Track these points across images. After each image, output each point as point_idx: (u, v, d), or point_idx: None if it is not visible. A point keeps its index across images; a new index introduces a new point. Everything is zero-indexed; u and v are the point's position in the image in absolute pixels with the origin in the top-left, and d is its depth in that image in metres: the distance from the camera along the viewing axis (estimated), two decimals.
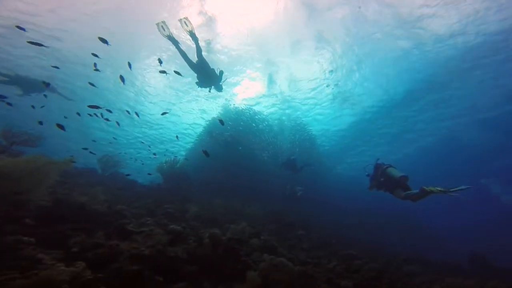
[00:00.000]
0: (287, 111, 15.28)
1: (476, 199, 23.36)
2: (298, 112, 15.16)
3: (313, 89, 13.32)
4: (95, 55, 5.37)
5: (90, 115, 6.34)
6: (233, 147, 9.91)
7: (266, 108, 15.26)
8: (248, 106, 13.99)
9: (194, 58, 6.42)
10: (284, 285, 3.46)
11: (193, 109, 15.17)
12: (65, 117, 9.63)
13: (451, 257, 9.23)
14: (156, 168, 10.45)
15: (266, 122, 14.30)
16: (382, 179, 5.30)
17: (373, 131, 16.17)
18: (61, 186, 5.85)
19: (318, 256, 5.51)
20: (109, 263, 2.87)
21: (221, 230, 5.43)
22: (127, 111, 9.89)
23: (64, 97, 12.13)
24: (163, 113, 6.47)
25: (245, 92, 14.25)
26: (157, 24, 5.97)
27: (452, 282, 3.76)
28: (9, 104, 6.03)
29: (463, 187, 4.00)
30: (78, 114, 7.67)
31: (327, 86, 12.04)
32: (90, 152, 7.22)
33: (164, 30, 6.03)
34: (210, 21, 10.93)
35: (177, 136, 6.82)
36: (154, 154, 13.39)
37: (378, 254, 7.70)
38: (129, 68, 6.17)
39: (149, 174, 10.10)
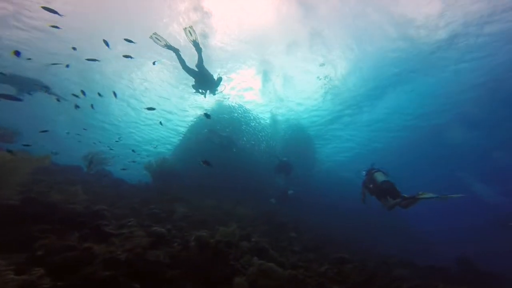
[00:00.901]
0: (280, 110, 15.11)
1: (462, 201, 23.94)
2: (292, 112, 15.00)
3: (308, 88, 13.19)
4: (74, 48, 5.14)
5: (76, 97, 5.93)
6: (228, 148, 9.68)
7: (260, 107, 15.05)
8: (240, 104, 13.72)
9: (192, 65, 6.36)
10: None
11: (187, 105, 14.75)
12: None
13: (439, 260, 9.29)
14: (144, 166, 10.08)
15: (258, 121, 14.09)
16: (371, 185, 5.12)
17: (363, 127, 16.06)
18: (38, 184, 5.46)
19: (310, 259, 5.34)
20: (79, 268, 2.59)
21: (211, 232, 5.20)
22: (99, 93, 9.08)
23: (60, 97, 11.81)
24: (149, 108, 6.17)
25: (239, 90, 14.01)
26: (151, 37, 5.98)
27: None
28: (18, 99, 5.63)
29: (457, 195, 3.93)
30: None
31: (318, 79, 11.92)
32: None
33: (160, 40, 6.01)
34: (205, 16, 10.66)
35: (160, 122, 6.43)
36: (155, 146, 12.87)
37: (369, 257, 7.63)
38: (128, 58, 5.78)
39: (123, 169, 9.65)
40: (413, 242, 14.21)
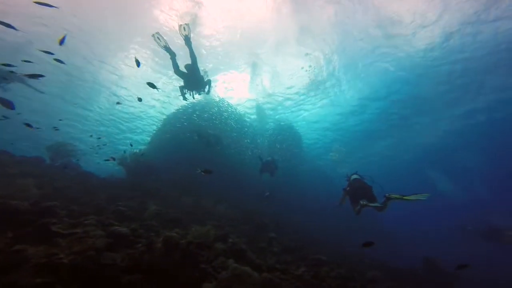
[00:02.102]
0: (268, 105, 14.78)
1: (432, 205, 25.39)
2: (279, 107, 14.68)
3: (294, 85, 13.01)
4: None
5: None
6: (214, 146, 9.23)
7: (248, 101, 14.66)
8: (222, 98, 13.23)
9: (183, 68, 6.40)
10: None
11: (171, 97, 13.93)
12: None
13: (408, 260, 9.60)
14: (118, 160, 9.32)
15: (243, 118, 13.72)
16: (348, 188, 5.07)
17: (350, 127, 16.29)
18: None
19: (288, 261, 5.12)
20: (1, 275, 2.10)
21: (184, 232, 4.79)
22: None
23: (35, 89, 10.81)
24: (118, 103, 5.62)
25: (228, 87, 13.56)
26: (153, 36, 6.00)
27: None
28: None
29: (422, 196, 3.94)
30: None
31: (304, 70, 11.79)
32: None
33: (160, 40, 6.03)
34: (197, 6, 10.14)
35: (139, 100, 5.87)
36: (131, 144, 11.96)
37: (346, 258, 7.64)
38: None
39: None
40: (387, 242, 14.69)
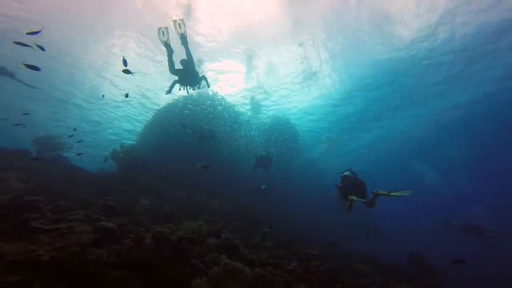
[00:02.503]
0: (263, 97, 14.56)
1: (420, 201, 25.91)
2: (274, 99, 14.45)
3: (290, 78, 12.82)
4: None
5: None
6: (208, 140, 9.04)
7: (243, 96, 14.44)
8: (215, 92, 12.95)
9: (178, 64, 6.31)
10: None
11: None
12: None
13: (396, 254, 9.82)
14: (109, 154, 9.06)
15: (237, 111, 13.49)
16: (340, 184, 5.04)
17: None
18: None
19: (280, 256, 5.11)
20: None
21: (177, 227, 4.69)
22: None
23: (28, 85, 10.59)
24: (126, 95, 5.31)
25: (223, 79, 13.28)
26: (159, 29, 5.87)
27: None
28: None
29: (406, 192, 4.00)
30: None
31: (298, 61, 11.64)
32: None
33: (164, 36, 5.90)
34: None
35: (126, 94, 5.55)
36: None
37: (337, 252, 7.72)
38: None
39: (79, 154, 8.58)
40: (376, 237, 14.98)
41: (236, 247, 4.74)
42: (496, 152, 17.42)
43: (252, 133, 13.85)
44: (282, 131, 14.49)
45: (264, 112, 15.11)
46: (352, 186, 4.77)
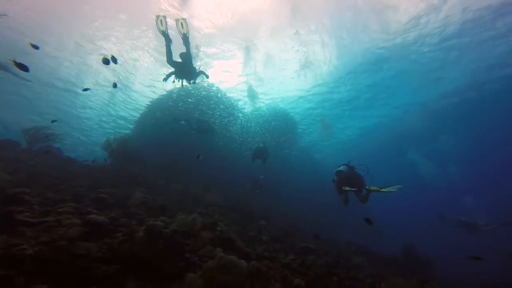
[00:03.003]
0: (261, 89, 14.24)
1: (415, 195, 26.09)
2: (270, 86, 14.06)
3: (286, 65, 12.47)
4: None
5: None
6: (205, 133, 8.93)
7: (240, 87, 14.12)
8: (210, 83, 12.61)
9: (177, 57, 6.17)
10: None
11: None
12: None
13: (391, 246, 9.97)
14: (102, 145, 8.85)
15: (234, 103, 13.21)
16: (336, 178, 4.99)
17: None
18: None
19: (276, 249, 5.11)
20: None
21: (171, 220, 4.61)
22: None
23: (22, 78, 10.16)
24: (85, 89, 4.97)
25: (219, 70, 12.92)
26: (157, 17, 5.64)
27: (395, 283, 3.66)
28: None
29: (395, 188, 4.02)
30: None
31: (295, 50, 11.36)
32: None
33: (162, 25, 5.71)
34: None
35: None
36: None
37: (333, 245, 7.80)
38: None
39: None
40: (372, 230, 15.23)
41: (231, 241, 4.70)
42: (491, 142, 17.39)
43: (249, 124, 13.64)
44: (280, 123, 14.28)
45: (261, 101, 14.73)
46: (347, 180, 4.74)
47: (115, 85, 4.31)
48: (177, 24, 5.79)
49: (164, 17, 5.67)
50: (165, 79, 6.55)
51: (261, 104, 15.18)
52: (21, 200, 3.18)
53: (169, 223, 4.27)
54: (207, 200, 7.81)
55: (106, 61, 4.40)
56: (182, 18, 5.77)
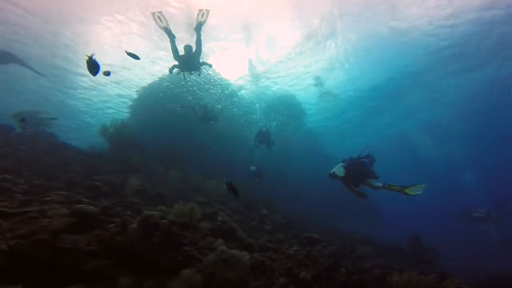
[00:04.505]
0: (265, 75, 13.51)
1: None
2: (274, 70, 13.23)
3: (290, 46, 11.65)
4: None
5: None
6: (209, 121, 8.66)
7: (242, 73, 13.39)
8: (215, 71, 11.88)
9: (182, 50, 6.27)
10: (235, 285, 2.61)
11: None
12: None
13: (394, 236, 9.86)
14: (98, 130, 8.51)
15: (234, 88, 12.57)
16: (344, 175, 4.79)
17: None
18: None
19: (280, 240, 4.90)
20: None
21: (169, 209, 4.37)
22: None
23: (36, 72, 9.93)
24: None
25: (221, 55, 12.16)
26: (153, 14, 5.61)
27: (409, 277, 3.41)
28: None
29: (418, 189, 3.81)
30: None
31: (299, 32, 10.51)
32: None
33: (161, 21, 5.72)
34: None
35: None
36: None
37: (337, 234, 7.67)
38: None
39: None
40: (374, 218, 15.22)
41: (233, 231, 4.48)
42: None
43: (250, 109, 13.09)
44: (285, 108, 13.64)
45: (264, 83, 13.93)
46: (354, 173, 4.50)
47: (108, 74, 3.90)
48: (198, 14, 5.94)
49: (160, 12, 5.59)
50: (170, 71, 6.59)
51: (267, 90, 14.37)
52: (0, 188, 2.88)
53: (167, 213, 4.03)
54: (207, 189, 7.59)
55: (107, 73, 3.98)
56: (206, 10, 5.89)
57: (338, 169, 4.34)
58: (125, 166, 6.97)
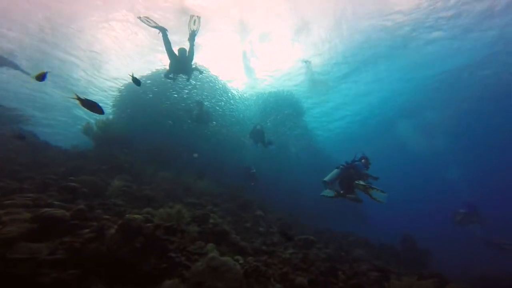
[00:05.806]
0: (255, 62, 13.04)
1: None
2: (266, 62, 12.75)
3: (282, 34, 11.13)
4: None
5: None
6: (204, 123, 8.35)
7: (236, 63, 12.89)
8: (205, 68, 11.43)
9: (176, 49, 6.20)
10: None
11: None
12: None
13: (387, 237, 9.73)
14: (81, 129, 7.99)
15: (227, 87, 12.17)
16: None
17: None
18: None
19: (274, 243, 4.61)
20: None
21: (156, 212, 4.00)
22: None
23: (22, 71, 9.53)
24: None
25: (215, 52, 11.72)
26: (139, 18, 5.84)
27: (408, 282, 3.20)
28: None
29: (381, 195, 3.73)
30: None
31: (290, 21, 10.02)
32: None
33: (150, 22, 5.84)
34: None
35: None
36: None
37: (332, 236, 7.45)
38: None
39: None
40: (365, 219, 15.16)
41: (225, 234, 4.15)
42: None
43: (243, 106, 12.69)
44: (282, 106, 13.29)
45: (257, 77, 13.49)
46: (347, 178, 4.45)
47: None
48: (190, 20, 5.88)
49: (147, 17, 5.78)
50: (166, 76, 6.59)
51: (262, 86, 13.92)
52: None
53: (154, 215, 3.67)
54: (199, 189, 7.22)
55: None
56: (197, 16, 5.90)
57: (330, 182, 4.43)
58: (110, 165, 6.51)
